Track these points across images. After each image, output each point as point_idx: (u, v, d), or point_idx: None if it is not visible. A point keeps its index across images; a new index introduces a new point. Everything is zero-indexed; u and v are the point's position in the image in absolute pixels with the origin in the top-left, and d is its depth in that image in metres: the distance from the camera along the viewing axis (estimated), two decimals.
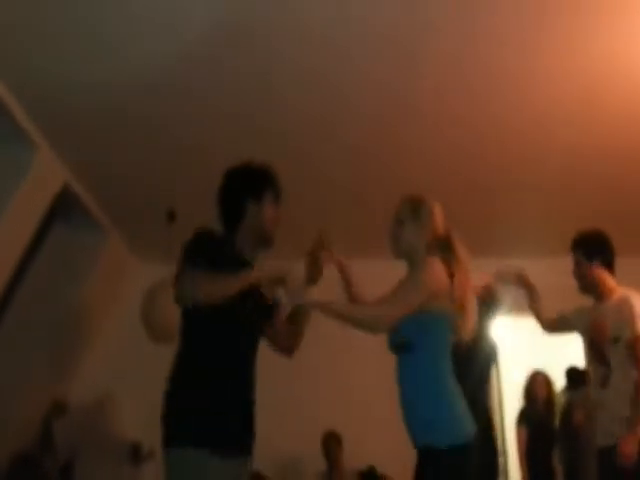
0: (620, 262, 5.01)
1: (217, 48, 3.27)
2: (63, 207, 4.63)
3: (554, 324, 3.48)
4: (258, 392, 2.37)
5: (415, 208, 2.45)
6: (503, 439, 5.42)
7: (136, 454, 5.23)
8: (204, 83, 3.54)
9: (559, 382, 5.17)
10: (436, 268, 2.31)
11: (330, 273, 2.50)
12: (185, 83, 3.54)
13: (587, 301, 3.37)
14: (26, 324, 4.73)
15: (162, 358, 5.18)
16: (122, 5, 2.98)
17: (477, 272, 3.60)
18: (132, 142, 4.08)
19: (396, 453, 5.30)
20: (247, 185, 2.42)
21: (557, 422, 4.96)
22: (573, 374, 5.12)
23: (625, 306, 3.13)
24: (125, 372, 5.45)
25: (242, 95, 3.61)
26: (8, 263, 4.17)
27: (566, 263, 4.85)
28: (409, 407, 2.32)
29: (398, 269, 2.46)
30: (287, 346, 2.53)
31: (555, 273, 5.29)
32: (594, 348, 3.25)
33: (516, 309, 4.26)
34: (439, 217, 2.46)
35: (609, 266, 3.31)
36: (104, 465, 5.12)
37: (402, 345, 2.31)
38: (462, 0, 2.97)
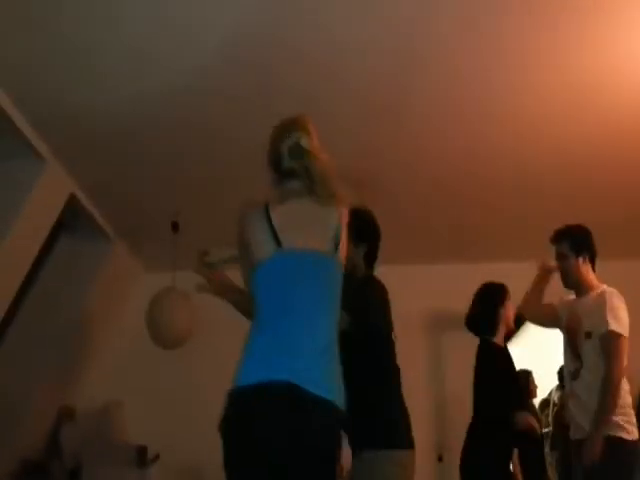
0: (616, 265, 5.11)
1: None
2: (70, 218, 4.70)
3: (543, 310, 3.50)
4: None
5: None
6: None
7: (142, 458, 5.28)
8: (210, 98, 3.61)
9: (548, 380, 5.29)
10: None
11: None
12: (192, 96, 3.59)
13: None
14: (34, 333, 4.79)
15: (166, 364, 5.32)
16: (125, 23, 3.04)
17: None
18: (136, 155, 4.15)
19: None
20: None
21: (543, 420, 5.08)
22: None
23: (601, 301, 3.14)
24: (130, 378, 5.52)
25: (242, 110, 3.71)
26: (18, 273, 4.24)
27: None
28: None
29: None
30: None
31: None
32: (569, 342, 3.29)
33: None
34: None
35: (593, 262, 3.29)
36: (110, 469, 5.16)
37: None
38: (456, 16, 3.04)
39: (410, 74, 3.45)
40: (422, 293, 5.20)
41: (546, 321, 3.58)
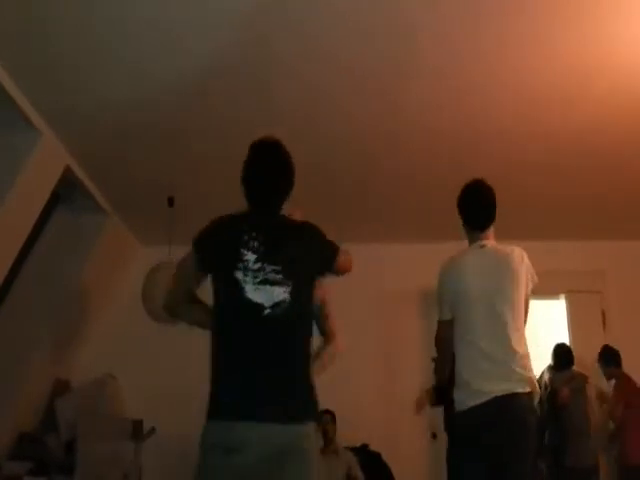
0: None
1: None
2: (66, 191, 4.71)
3: None
4: None
5: None
6: None
7: (137, 432, 5.32)
8: (210, 80, 3.64)
9: (540, 358, 5.28)
10: None
11: None
12: (193, 77, 3.61)
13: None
14: (29, 305, 4.82)
15: (162, 338, 5.37)
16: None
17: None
18: (134, 130, 4.13)
19: (386, 432, 5.47)
20: None
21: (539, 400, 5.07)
22: (560, 353, 5.25)
23: None
24: (126, 352, 5.56)
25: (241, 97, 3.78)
26: (13, 245, 4.23)
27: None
28: None
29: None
30: None
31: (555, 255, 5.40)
32: None
33: None
34: None
35: None
36: (106, 443, 5.20)
37: None
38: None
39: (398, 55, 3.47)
40: (419, 270, 5.20)
41: None
